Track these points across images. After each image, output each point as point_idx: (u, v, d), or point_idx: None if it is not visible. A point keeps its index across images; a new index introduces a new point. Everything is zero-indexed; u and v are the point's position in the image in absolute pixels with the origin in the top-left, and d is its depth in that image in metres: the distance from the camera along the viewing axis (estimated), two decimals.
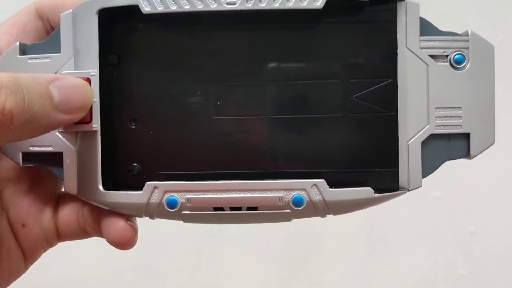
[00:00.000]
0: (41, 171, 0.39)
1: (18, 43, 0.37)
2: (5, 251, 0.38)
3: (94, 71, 0.36)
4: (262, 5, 0.36)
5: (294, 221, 0.38)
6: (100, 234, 0.38)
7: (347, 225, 0.83)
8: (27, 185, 0.39)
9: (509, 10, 0.80)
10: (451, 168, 0.39)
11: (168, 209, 0.37)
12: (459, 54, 0.37)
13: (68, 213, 0.39)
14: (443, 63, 0.37)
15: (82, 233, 0.39)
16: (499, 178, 0.82)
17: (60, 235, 0.40)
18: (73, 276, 0.82)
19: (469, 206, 0.82)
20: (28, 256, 0.39)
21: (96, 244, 0.43)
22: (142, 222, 0.39)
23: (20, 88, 0.31)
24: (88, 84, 0.35)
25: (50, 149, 0.37)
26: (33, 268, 0.41)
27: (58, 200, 0.40)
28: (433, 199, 0.83)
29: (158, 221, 0.38)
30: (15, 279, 0.39)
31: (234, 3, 0.36)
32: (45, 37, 0.40)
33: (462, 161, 0.39)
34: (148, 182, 0.37)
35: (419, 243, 0.83)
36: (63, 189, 0.40)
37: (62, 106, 0.33)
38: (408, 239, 0.83)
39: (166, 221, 0.38)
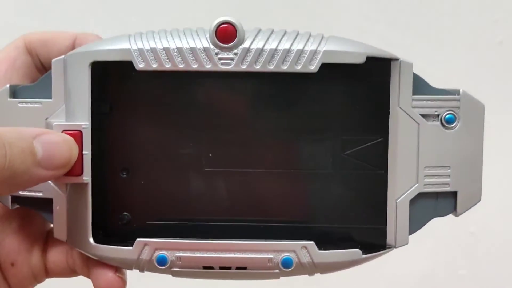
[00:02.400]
0: (30, 210, 0.39)
1: (8, 85, 0.37)
2: None
3: (85, 124, 0.36)
4: (257, 67, 0.36)
5: None
6: (88, 276, 0.39)
7: None
8: (16, 224, 0.39)
9: (509, 10, 0.79)
10: None
11: (158, 266, 0.37)
12: (451, 114, 0.37)
13: (58, 253, 0.39)
14: (434, 123, 0.37)
15: (71, 272, 0.40)
16: (499, 178, 0.82)
17: (48, 273, 0.40)
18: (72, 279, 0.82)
19: None
20: None
21: None
22: None
23: (2, 144, 0.30)
24: (73, 140, 0.35)
25: (39, 194, 0.37)
26: None
27: (47, 238, 0.40)
28: None
29: None
30: None
31: (229, 64, 0.36)
32: (35, 72, 0.39)
33: None
34: (138, 239, 0.37)
35: (419, 243, 0.83)
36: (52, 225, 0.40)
37: (44, 162, 0.32)
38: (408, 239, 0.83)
39: None
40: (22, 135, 0.32)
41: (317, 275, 0.38)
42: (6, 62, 0.39)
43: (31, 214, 0.39)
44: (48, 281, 0.41)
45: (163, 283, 0.44)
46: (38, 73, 0.39)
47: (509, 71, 0.79)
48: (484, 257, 0.83)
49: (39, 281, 0.40)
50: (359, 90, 0.38)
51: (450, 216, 0.86)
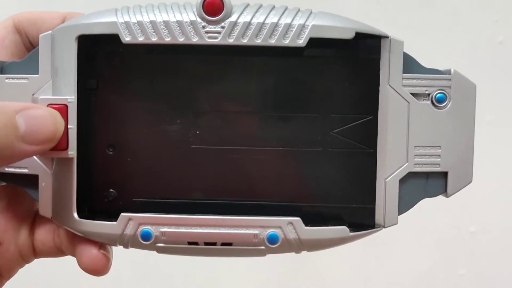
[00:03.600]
0: (17, 189, 0.39)
1: None
2: None
3: (71, 98, 0.36)
4: (244, 41, 0.36)
5: None
6: (74, 254, 0.38)
7: None
8: (3, 203, 0.39)
9: (509, 10, 0.79)
10: None
11: (142, 241, 0.37)
12: (441, 93, 0.37)
13: (45, 232, 0.39)
14: (424, 102, 0.37)
15: (58, 252, 0.39)
16: (499, 178, 0.82)
17: (36, 253, 0.39)
18: (71, 276, 0.82)
19: (469, 206, 0.82)
20: (4, 273, 0.39)
21: None
22: None
23: None
24: (58, 114, 0.34)
25: (25, 171, 0.37)
26: (31, 267, 0.41)
27: (34, 218, 0.40)
28: (433, 199, 0.83)
29: None
30: None
31: (216, 38, 0.36)
32: (23, 51, 0.39)
33: None
34: (122, 214, 0.37)
35: (419, 243, 0.83)
36: None
37: (27, 137, 0.32)
38: (408, 239, 0.83)
39: None
40: (5, 109, 0.31)
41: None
42: None
43: (19, 194, 0.39)
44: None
45: None
46: (27, 53, 0.39)
47: (509, 71, 0.80)
48: (484, 257, 0.83)
49: (27, 261, 0.40)
50: (349, 68, 0.38)
51: (450, 216, 0.86)
